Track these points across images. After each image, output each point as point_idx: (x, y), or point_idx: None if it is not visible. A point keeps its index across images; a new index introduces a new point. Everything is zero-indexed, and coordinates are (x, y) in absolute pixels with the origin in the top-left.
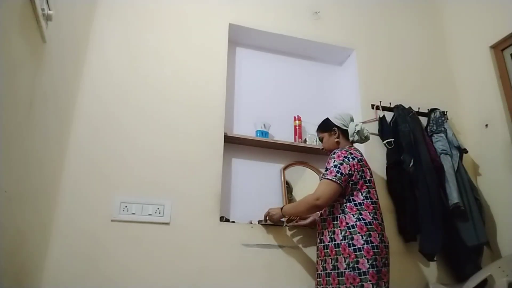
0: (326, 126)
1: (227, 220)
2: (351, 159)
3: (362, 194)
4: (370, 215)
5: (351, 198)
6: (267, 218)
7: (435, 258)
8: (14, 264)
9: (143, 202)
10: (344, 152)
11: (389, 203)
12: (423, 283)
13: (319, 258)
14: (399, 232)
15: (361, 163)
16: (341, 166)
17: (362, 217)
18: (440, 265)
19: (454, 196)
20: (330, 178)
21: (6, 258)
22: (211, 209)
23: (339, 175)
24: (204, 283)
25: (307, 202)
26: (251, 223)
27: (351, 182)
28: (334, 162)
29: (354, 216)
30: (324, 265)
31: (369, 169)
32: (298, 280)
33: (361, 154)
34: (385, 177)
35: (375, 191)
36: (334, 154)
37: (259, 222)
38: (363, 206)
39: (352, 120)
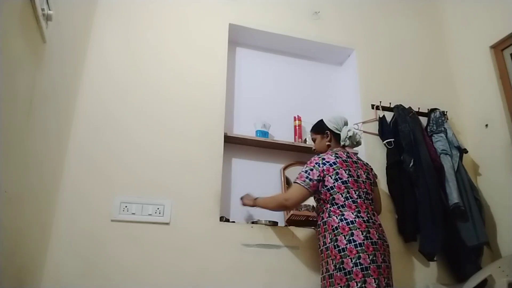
0: (319, 128)
1: (227, 220)
2: (321, 165)
3: (342, 196)
4: (352, 214)
5: (333, 201)
6: (242, 199)
7: (435, 258)
8: (14, 264)
9: (143, 202)
10: (316, 158)
11: (389, 203)
12: (423, 283)
13: (320, 262)
14: (399, 232)
15: (335, 165)
16: (310, 172)
17: (344, 218)
18: (440, 265)
19: (454, 196)
20: (299, 182)
21: (6, 258)
22: (211, 209)
23: (307, 180)
24: (204, 283)
25: (277, 200)
26: (255, 223)
27: (325, 187)
28: (305, 168)
29: (337, 218)
30: (322, 268)
31: (347, 169)
32: (298, 281)
33: (336, 156)
34: (385, 177)
35: (355, 190)
36: (309, 160)
37: (253, 222)
38: (345, 207)
39: (346, 124)
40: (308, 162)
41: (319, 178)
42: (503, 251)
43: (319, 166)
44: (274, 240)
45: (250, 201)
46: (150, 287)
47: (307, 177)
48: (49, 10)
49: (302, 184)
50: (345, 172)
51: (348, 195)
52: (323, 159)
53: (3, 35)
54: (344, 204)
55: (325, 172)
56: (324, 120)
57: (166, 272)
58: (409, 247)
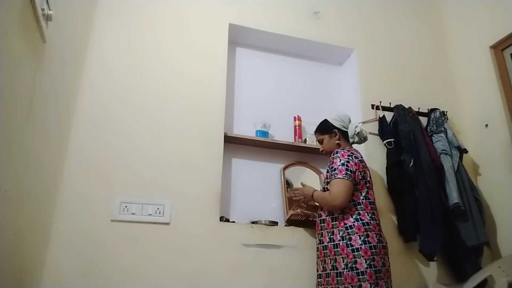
0: (326, 128)
1: (227, 220)
2: (353, 158)
3: (361, 194)
4: (368, 215)
5: (351, 198)
6: (298, 197)
7: (435, 258)
8: (14, 264)
9: (143, 202)
10: (346, 151)
11: (389, 203)
12: (423, 283)
13: (319, 258)
14: (399, 232)
15: (362, 164)
16: (348, 164)
17: (360, 218)
18: (440, 265)
19: (454, 196)
20: (341, 176)
21: (6, 258)
22: (211, 209)
23: (349, 172)
24: (204, 283)
25: (326, 204)
26: (255, 223)
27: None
28: (341, 161)
29: (352, 217)
30: (324, 265)
31: (368, 170)
32: (298, 280)
33: (361, 155)
34: (385, 177)
35: (373, 191)
36: (337, 153)
37: (253, 222)
38: (362, 206)
39: (350, 121)
40: (340, 155)
41: (355, 169)
42: (503, 251)
43: (351, 159)
44: (274, 240)
45: (309, 193)
46: (150, 287)
47: (347, 169)
48: (49, 10)
49: (345, 177)
50: (368, 172)
51: (367, 195)
52: (352, 153)
53: (3, 35)
54: (361, 202)
55: (357, 167)
56: (329, 120)
57: (166, 272)
58: (409, 247)
